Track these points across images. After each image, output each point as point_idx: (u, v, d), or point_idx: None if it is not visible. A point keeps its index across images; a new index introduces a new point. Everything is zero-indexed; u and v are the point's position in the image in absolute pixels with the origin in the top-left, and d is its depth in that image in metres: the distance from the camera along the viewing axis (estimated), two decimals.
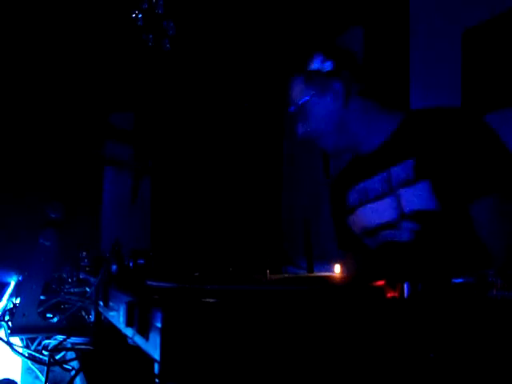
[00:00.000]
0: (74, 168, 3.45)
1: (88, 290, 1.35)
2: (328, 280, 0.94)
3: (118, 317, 0.86)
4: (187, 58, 3.69)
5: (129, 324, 0.73)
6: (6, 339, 1.24)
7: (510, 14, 2.32)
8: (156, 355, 0.61)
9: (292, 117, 1.57)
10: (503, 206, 1.25)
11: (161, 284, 0.89)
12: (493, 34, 2.41)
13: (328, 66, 1.48)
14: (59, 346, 1.19)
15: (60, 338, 1.22)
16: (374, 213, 1.48)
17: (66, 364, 1.11)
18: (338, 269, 1.24)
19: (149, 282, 0.93)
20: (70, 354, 1.18)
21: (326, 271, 1.47)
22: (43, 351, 1.24)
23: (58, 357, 1.15)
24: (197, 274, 1.16)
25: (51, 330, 1.28)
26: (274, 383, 0.62)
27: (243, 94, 3.80)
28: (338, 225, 1.68)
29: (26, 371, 1.38)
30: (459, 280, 0.76)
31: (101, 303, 1.07)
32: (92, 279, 1.30)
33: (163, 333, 0.59)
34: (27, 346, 1.28)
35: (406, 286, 0.73)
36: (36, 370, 1.30)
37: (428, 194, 1.33)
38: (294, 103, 1.55)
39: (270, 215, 3.89)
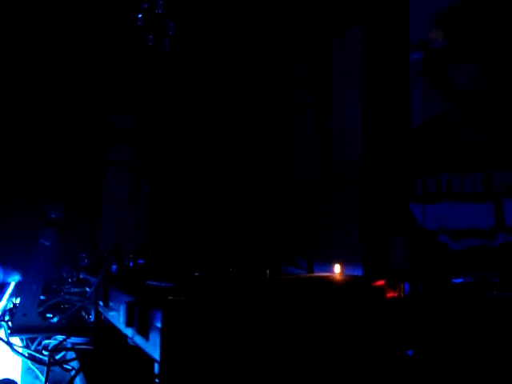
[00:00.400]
0: (74, 168, 3.44)
1: (88, 290, 1.35)
2: (328, 280, 0.94)
3: (118, 317, 0.86)
4: (187, 58, 3.69)
5: (129, 324, 0.73)
6: (5, 339, 1.24)
7: None
8: (156, 355, 0.61)
9: None
10: None
11: (161, 284, 0.89)
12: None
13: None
14: (59, 346, 1.19)
15: (60, 337, 1.22)
16: (465, 214, 1.35)
17: (66, 364, 1.11)
18: (337, 269, 1.24)
19: (149, 282, 0.93)
20: (70, 354, 1.18)
21: (325, 271, 1.47)
22: (43, 351, 1.24)
23: (57, 357, 1.15)
24: (197, 273, 1.16)
25: (51, 330, 1.28)
26: (274, 382, 0.62)
27: (243, 93, 3.80)
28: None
29: (26, 371, 1.38)
30: (459, 280, 0.76)
31: (101, 303, 1.07)
32: (92, 279, 1.30)
33: (163, 333, 0.59)
34: (27, 346, 1.28)
35: (406, 286, 0.73)
36: (36, 370, 1.30)
37: None
38: None
39: (270, 215, 3.88)
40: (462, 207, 1.36)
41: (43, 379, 1.15)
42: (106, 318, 1.07)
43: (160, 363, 0.60)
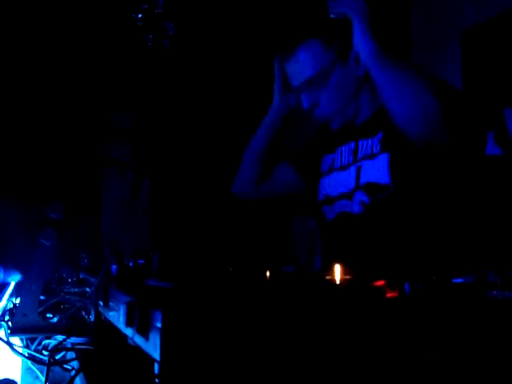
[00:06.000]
0: (74, 168, 3.45)
1: (88, 290, 1.35)
2: (328, 280, 0.94)
3: (117, 317, 0.86)
4: (187, 58, 3.69)
5: (129, 324, 0.73)
6: (6, 339, 1.24)
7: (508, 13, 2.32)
8: (156, 355, 0.60)
9: (301, 87, 1.43)
10: None
11: (161, 284, 0.89)
12: (492, 33, 2.41)
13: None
14: (59, 346, 1.19)
15: (60, 338, 1.22)
16: (336, 182, 1.49)
17: (66, 364, 1.11)
18: (337, 269, 1.24)
19: (149, 282, 0.93)
20: (70, 354, 1.18)
21: (325, 271, 1.47)
22: (43, 351, 1.24)
23: (58, 357, 1.15)
24: (197, 274, 1.17)
25: (51, 330, 1.28)
26: (275, 383, 0.62)
27: (243, 93, 3.80)
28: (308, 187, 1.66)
29: (26, 371, 1.38)
30: (459, 280, 0.76)
31: (101, 303, 1.07)
32: (92, 279, 1.30)
33: (163, 333, 0.59)
34: (27, 346, 1.28)
35: (406, 286, 0.73)
36: (36, 370, 1.30)
37: (384, 168, 1.34)
38: (308, 70, 1.39)
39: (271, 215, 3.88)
40: (335, 177, 1.51)
41: (43, 379, 1.15)
42: (105, 318, 1.07)
43: (160, 363, 0.60)
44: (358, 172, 1.40)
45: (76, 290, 1.44)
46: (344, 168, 1.48)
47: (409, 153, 1.28)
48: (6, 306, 1.49)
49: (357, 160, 1.43)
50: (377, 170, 1.34)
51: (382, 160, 1.33)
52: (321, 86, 1.40)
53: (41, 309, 1.34)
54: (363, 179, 1.38)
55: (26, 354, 1.26)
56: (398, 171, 1.30)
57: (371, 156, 1.38)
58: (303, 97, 1.45)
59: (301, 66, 1.41)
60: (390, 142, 1.34)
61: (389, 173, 1.31)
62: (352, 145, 1.47)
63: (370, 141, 1.41)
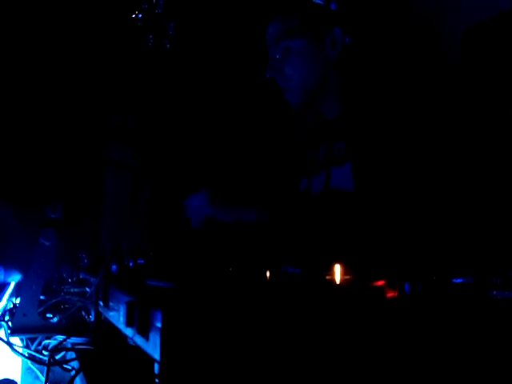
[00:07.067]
0: (74, 168, 3.45)
1: (88, 290, 1.35)
2: (327, 280, 0.94)
3: (118, 317, 0.86)
4: (187, 58, 3.69)
5: (129, 324, 0.73)
6: (6, 339, 1.24)
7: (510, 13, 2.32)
8: (156, 355, 0.60)
9: (271, 59, 1.45)
10: None
11: (161, 284, 0.89)
12: (493, 33, 2.41)
13: (332, 6, 1.36)
14: (59, 346, 1.19)
15: (60, 338, 1.22)
16: (311, 185, 1.50)
17: (66, 364, 1.11)
18: (337, 269, 1.24)
19: (149, 282, 0.93)
20: (70, 354, 1.18)
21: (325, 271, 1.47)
22: (43, 351, 1.24)
23: (58, 357, 1.15)
24: (198, 273, 1.16)
25: (51, 330, 1.28)
26: (275, 383, 0.62)
27: (244, 93, 3.80)
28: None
29: (26, 371, 1.38)
30: (459, 280, 0.76)
31: (101, 303, 1.07)
32: (92, 279, 1.30)
33: (163, 333, 0.59)
34: (27, 346, 1.28)
35: (406, 286, 0.73)
36: (36, 370, 1.30)
37: (348, 176, 1.34)
38: (278, 43, 1.42)
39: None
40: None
41: (43, 379, 1.15)
42: (105, 318, 1.07)
43: (160, 363, 0.60)
44: (328, 177, 1.41)
45: (76, 290, 1.44)
46: (317, 171, 1.48)
47: (373, 161, 1.28)
48: (6, 305, 1.50)
49: (329, 165, 1.43)
50: (342, 178, 1.34)
51: (347, 168, 1.34)
52: (288, 63, 1.42)
53: (41, 309, 1.34)
54: (332, 184, 1.38)
55: (26, 354, 1.26)
56: (360, 181, 1.30)
57: (339, 162, 1.38)
58: (270, 64, 1.46)
59: (269, 39, 1.46)
60: (353, 151, 1.35)
61: (351, 182, 1.32)
62: (326, 147, 1.46)
63: (338, 144, 1.42)
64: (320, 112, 1.50)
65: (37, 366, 1.28)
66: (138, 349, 0.72)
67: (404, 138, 1.27)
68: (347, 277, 0.81)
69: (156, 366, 0.62)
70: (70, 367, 1.10)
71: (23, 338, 1.29)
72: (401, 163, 1.27)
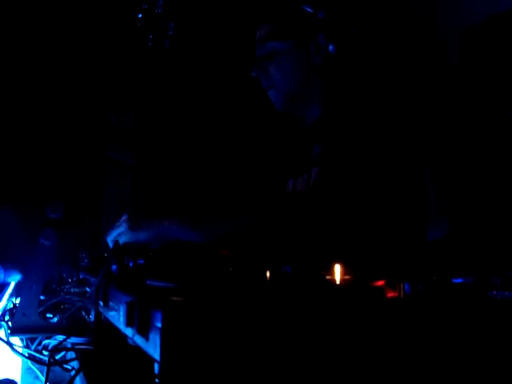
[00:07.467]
0: (74, 168, 3.45)
1: (88, 290, 1.35)
2: (328, 280, 0.94)
3: (118, 317, 0.86)
4: (187, 58, 3.69)
5: (129, 324, 0.73)
6: (6, 339, 1.24)
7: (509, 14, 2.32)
8: (156, 355, 0.60)
9: (257, 58, 1.49)
10: None
11: (161, 284, 0.89)
12: (493, 33, 2.41)
13: (320, 14, 1.40)
14: (59, 346, 1.19)
15: (60, 337, 1.22)
16: (296, 185, 1.53)
17: (66, 364, 1.11)
18: (337, 269, 1.24)
19: (149, 282, 0.93)
20: (70, 354, 1.18)
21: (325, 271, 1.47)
22: (43, 351, 1.24)
23: (58, 357, 1.15)
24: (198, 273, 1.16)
25: (51, 330, 1.28)
26: (275, 383, 0.62)
27: (243, 93, 3.80)
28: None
29: (26, 371, 1.38)
30: (459, 280, 0.76)
31: (101, 303, 1.07)
32: (92, 279, 1.30)
33: (163, 333, 0.59)
34: (27, 346, 1.28)
35: (406, 286, 0.73)
36: (36, 370, 1.30)
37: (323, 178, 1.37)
38: (265, 43, 1.47)
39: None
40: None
41: (43, 379, 1.15)
42: (105, 318, 1.07)
43: (160, 363, 0.60)
44: (309, 178, 1.44)
45: (76, 290, 1.44)
46: (301, 172, 1.51)
47: (346, 164, 1.30)
48: (6, 305, 1.50)
49: (310, 166, 1.46)
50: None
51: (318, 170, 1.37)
52: (272, 59, 1.45)
53: (41, 309, 1.33)
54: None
55: (26, 354, 1.26)
56: (334, 181, 1.32)
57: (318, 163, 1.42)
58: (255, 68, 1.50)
59: (257, 38, 1.50)
60: (324, 157, 1.38)
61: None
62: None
63: (316, 147, 1.45)
64: (301, 116, 1.53)
65: (37, 366, 1.28)
66: (138, 349, 0.72)
67: (381, 145, 1.28)
68: (347, 277, 0.81)
69: (156, 366, 0.62)
70: (70, 367, 1.10)
71: (23, 338, 1.29)
72: (376, 169, 1.27)
